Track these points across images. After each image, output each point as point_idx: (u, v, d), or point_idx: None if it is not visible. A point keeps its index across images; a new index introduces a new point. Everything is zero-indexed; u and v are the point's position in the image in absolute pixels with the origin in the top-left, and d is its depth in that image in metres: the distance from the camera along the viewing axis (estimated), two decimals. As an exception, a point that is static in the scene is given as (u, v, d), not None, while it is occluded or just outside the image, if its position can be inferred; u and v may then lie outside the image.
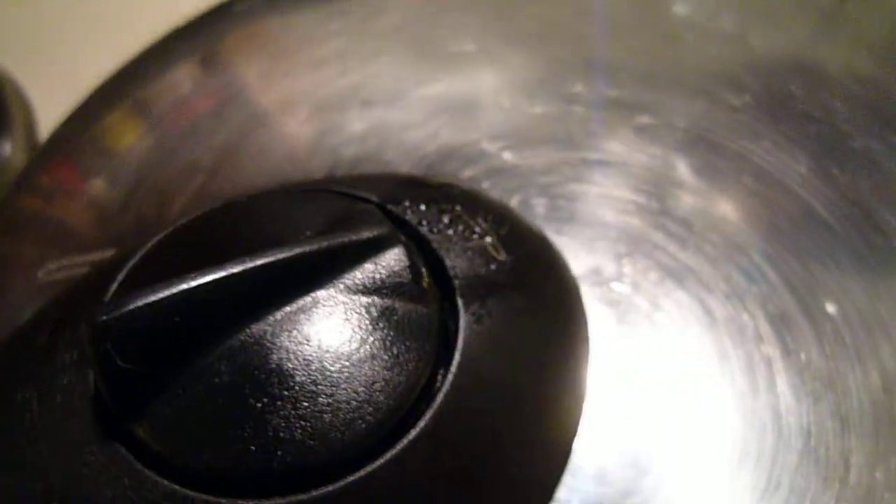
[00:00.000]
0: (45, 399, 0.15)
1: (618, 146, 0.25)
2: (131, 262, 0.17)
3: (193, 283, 0.13)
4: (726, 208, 0.24)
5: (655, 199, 0.24)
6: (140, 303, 0.13)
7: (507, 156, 0.25)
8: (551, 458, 0.17)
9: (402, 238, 0.16)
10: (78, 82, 0.33)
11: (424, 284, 0.16)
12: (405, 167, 0.25)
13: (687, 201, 0.24)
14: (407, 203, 0.18)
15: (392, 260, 0.15)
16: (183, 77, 0.32)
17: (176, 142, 0.28)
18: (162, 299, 0.13)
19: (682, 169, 0.25)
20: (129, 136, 0.31)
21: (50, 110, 0.37)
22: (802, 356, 0.21)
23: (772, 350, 0.21)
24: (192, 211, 0.26)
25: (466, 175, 0.25)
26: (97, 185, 0.29)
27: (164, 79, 0.32)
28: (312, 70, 0.30)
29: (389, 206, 0.17)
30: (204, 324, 0.14)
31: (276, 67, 0.31)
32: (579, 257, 0.22)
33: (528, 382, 0.17)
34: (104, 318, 0.12)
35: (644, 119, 0.26)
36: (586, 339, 0.19)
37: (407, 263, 0.15)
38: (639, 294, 0.22)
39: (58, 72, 0.45)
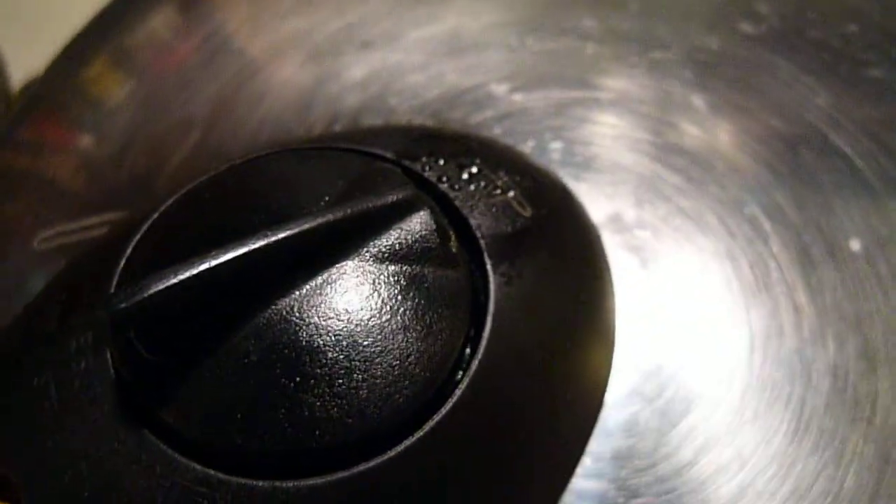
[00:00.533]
0: (63, 385, 0.14)
1: (631, 84, 0.24)
2: (137, 235, 0.16)
3: (215, 262, 0.12)
4: (745, 147, 0.23)
5: (673, 138, 0.23)
6: (160, 286, 0.12)
7: (518, 98, 0.24)
8: (584, 414, 0.17)
9: (428, 200, 0.15)
10: (50, 31, 0.31)
11: (452, 248, 0.15)
12: (410, 115, 0.24)
13: (704, 140, 0.24)
14: (424, 159, 0.17)
15: (418, 224, 0.15)
16: (165, 22, 0.30)
17: (166, 93, 0.27)
18: (183, 281, 0.12)
19: (699, 105, 0.24)
20: (114, 88, 0.29)
21: (22, 61, 0.35)
22: (827, 297, 0.21)
23: (797, 291, 0.21)
24: (189, 169, 0.25)
25: (476, 120, 0.24)
26: (86, 141, 0.27)
27: (146, 25, 0.30)
28: (304, 11, 0.28)
29: (406, 163, 0.17)
30: (228, 303, 0.13)
31: (263, 10, 0.29)
32: (599, 203, 0.22)
33: (560, 341, 0.16)
34: (123, 305, 0.12)
35: (657, 54, 0.25)
36: (612, 291, 0.19)
37: (434, 227, 0.15)
38: (660, 239, 0.22)
39: (27, 21, 0.42)
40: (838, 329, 0.20)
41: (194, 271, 0.12)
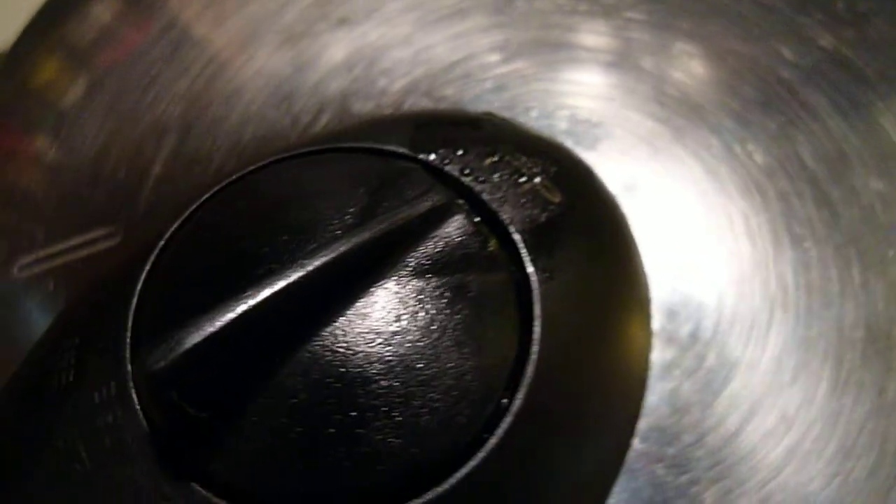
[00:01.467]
0: (92, 444, 0.13)
1: (628, 40, 0.23)
2: (147, 266, 0.14)
3: (253, 302, 0.11)
4: (751, 91, 0.23)
5: (676, 92, 0.23)
6: (198, 337, 0.11)
7: (512, 66, 0.23)
8: (634, 397, 0.17)
9: (462, 203, 0.14)
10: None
11: (492, 250, 0.14)
12: (402, 95, 0.23)
13: (708, 90, 0.23)
14: (442, 151, 0.16)
15: (455, 229, 0.14)
16: (113, 13, 0.28)
17: (131, 94, 0.25)
18: (222, 329, 0.11)
19: (699, 55, 0.23)
20: (72, 91, 0.27)
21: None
22: (851, 250, 0.20)
23: (820, 246, 0.20)
24: (172, 177, 0.24)
25: (472, 95, 0.23)
26: (53, 153, 0.25)
27: (93, 18, 0.28)
28: (268, -10, 0.26)
29: (424, 157, 0.16)
30: (269, 343, 0.12)
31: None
32: (614, 172, 0.21)
33: (608, 329, 0.16)
34: (162, 364, 0.11)
35: (652, 6, 0.24)
36: (643, 267, 0.18)
37: (472, 231, 0.14)
38: (679, 200, 0.21)
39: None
40: (865, 278, 0.20)
41: (232, 315, 0.11)
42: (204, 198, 0.15)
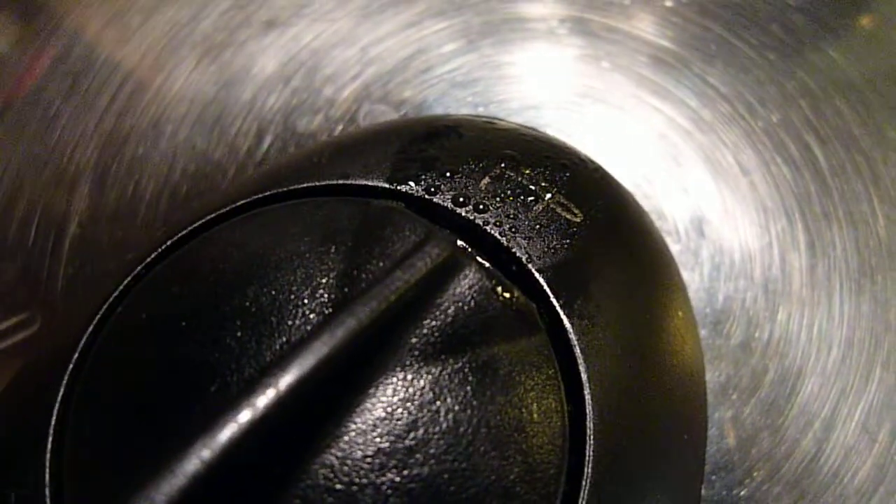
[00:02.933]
0: None
1: (604, 14, 0.20)
2: (60, 391, 0.11)
3: (207, 455, 0.08)
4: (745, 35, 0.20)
5: (663, 47, 0.19)
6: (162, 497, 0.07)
7: (476, 54, 0.19)
8: (700, 432, 0.14)
9: (467, 248, 0.11)
10: None
11: (517, 305, 0.11)
12: (354, 104, 0.19)
13: (682, 36, 0.20)
14: (429, 176, 0.12)
15: (467, 288, 0.10)
16: (4, 39, 0.24)
17: (33, 142, 0.21)
18: (192, 481, 0.07)
19: (671, 14, 0.20)
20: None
21: None
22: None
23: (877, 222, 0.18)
24: (88, 244, 0.19)
25: (436, 92, 0.19)
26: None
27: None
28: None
29: (403, 189, 0.12)
30: (245, 495, 0.08)
31: (123, 6, 0.23)
32: (623, 168, 0.18)
33: (663, 367, 0.12)
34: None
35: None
36: (680, 277, 0.15)
37: (489, 285, 0.10)
38: (711, 201, 0.18)
39: None
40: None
41: (182, 481, 0.08)
42: (125, 282, 0.12)
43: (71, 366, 0.11)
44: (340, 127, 0.19)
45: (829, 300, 0.16)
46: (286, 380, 0.08)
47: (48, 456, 0.10)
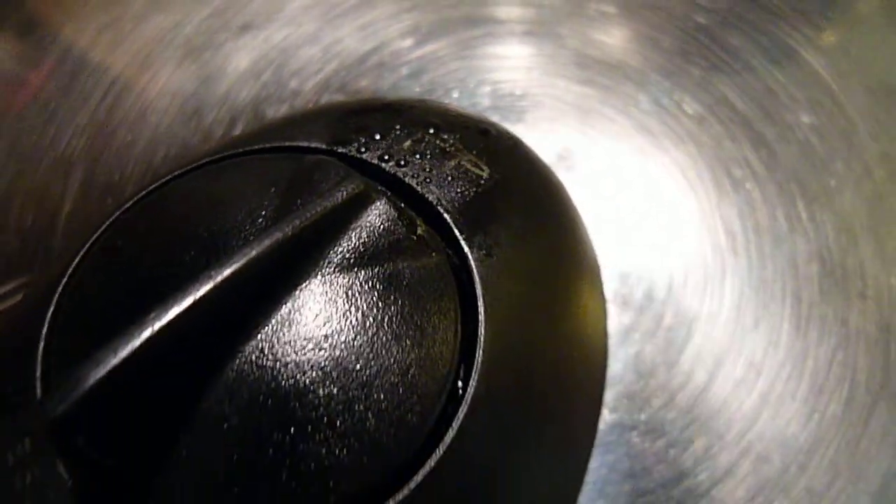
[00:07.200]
0: (10, 509, 0.12)
1: (540, 8, 0.23)
2: (51, 306, 0.13)
3: (158, 325, 0.10)
4: (671, 46, 0.22)
5: (596, 54, 0.22)
6: (101, 372, 0.10)
7: (426, 49, 0.22)
8: (596, 366, 0.16)
9: (382, 188, 0.13)
10: None
11: (421, 233, 0.13)
12: (315, 94, 0.22)
13: (629, 48, 0.22)
14: (357, 140, 0.15)
15: (377, 216, 0.13)
16: (3, 53, 0.26)
17: (30, 133, 0.23)
18: (126, 358, 0.10)
19: (613, 12, 0.23)
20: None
21: None
22: (792, 181, 0.20)
23: (762, 182, 0.20)
24: (84, 213, 0.22)
25: (388, 83, 0.22)
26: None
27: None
28: (161, 7, 0.25)
29: (339, 150, 0.15)
30: (186, 368, 0.11)
31: (116, 17, 0.25)
32: (545, 142, 0.20)
33: (557, 298, 0.15)
34: (62, 408, 0.09)
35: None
36: (585, 230, 0.17)
37: (395, 215, 0.13)
38: (616, 162, 0.20)
39: None
40: (812, 211, 0.20)
41: (137, 342, 0.10)
42: (105, 224, 0.14)
43: (60, 287, 0.13)
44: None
45: (722, 261, 0.19)
46: (223, 272, 0.11)
47: (40, 356, 0.13)
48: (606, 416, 0.17)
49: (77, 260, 0.14)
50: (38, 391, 0.12)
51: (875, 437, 0.17)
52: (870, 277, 0.19)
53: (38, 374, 0.12)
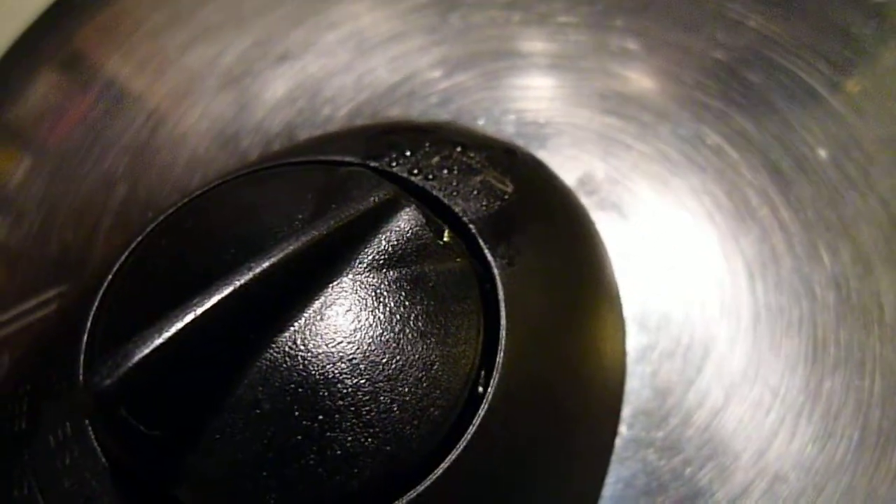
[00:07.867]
0: (49, 489, 0.12)
1: (565, 43, 0.24)
2: (96, 301, 0.14)
3: (201, 309, 0.11)
4: (691, 81, 0.23)
5: (618, 87, 0.23)
6: (145, 350, 0.10)
7: (454, 80, 0.23)
8: (612, 380, 0.16)
9: (409, 196, 0.14)
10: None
11: (448, 239, 0.14)
12: (347, 121, 0.23)
13: (650, 83, 0.23)
14: (389, 155, 0.16)
15: (406, 222, 0.13)
16: (50, 86, 0.28)
17: (74, 156, 0.25)
18: (170, 338, 0.10)
19: (636, 50, 0.24)
20: (10, 167, 0.26)
21: None
22: (809, 210, 0.20)
23: (779, 210, 0.20)
24: (123, 227, 0.23)
25: (417, 110, 0.23)
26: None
27: (29, 94, 0.28)
28: (205, 39, 0.26)
29: (372, 163, 0.15)
30: (224, 352, 0.11)
31: (161, 47, 0.27)
32: (567, 167, 0.21)
33: (574, 311, 0.15)
34: (108, 381, 0.10)
35: (584, 9, 0.24)
36: (605, 249, 0.18)
37: (423, 222, 0.13)
38: (634, 190, 0.21)
39: None
40: (827, 239, 0.20)
41: (180, 324, 0.11)
42: (150, 227, 0.15)
43: (105, 283, 0.14)
44: (334, 136, 0.22)
45: (740, 286, 0.19)
46: (262, 265, 0.11)
47: (83, 347, 0.13)
48: (623, 432, 0.17)
49: (122, 260, 0.14)
50: (81, 377, 0.13)
51: (893, 461, 0.17)
52: (886, 305, 0.19)
53: (81, 361, 0.13)
